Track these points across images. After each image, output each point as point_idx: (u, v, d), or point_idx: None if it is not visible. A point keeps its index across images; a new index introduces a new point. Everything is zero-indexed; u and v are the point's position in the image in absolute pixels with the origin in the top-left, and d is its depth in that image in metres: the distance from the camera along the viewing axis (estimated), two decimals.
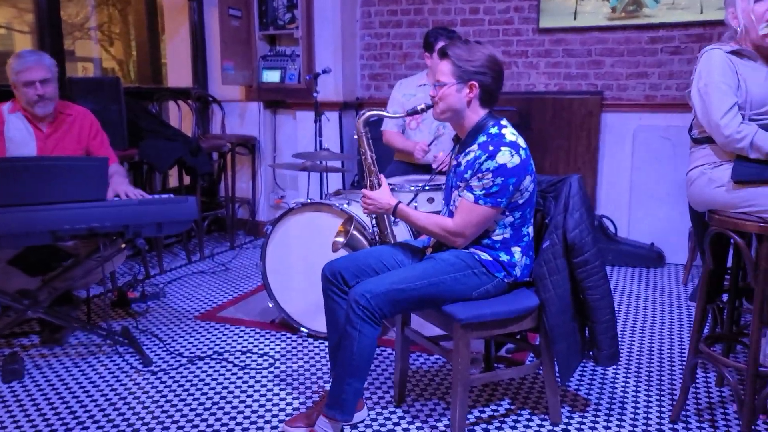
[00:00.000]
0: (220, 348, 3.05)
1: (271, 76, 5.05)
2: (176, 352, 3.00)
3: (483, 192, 2.12)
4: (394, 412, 2.45)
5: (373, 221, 2.60)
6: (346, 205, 3.01)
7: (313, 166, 3.29)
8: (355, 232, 2.50)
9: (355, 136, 2.51)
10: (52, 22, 4.00)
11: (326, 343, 3.09)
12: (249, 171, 5.22)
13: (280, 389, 2.64)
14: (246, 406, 2.50)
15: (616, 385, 2.65)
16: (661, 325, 3.31)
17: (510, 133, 2.18)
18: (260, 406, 2.50)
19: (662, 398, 2.53)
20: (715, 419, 2.37)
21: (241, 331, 3.27)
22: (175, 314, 3.51)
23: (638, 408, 2.46)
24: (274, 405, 2.51)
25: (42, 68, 2.94)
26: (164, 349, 3.04)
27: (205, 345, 3.09)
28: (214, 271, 4.34)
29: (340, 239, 2.54)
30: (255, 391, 2.63)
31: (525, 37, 4.64)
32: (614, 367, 2.79)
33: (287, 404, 2.51)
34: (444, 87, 2.21)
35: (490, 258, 2.22)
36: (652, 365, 2.83)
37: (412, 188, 3.22)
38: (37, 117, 3.00)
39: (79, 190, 2.68)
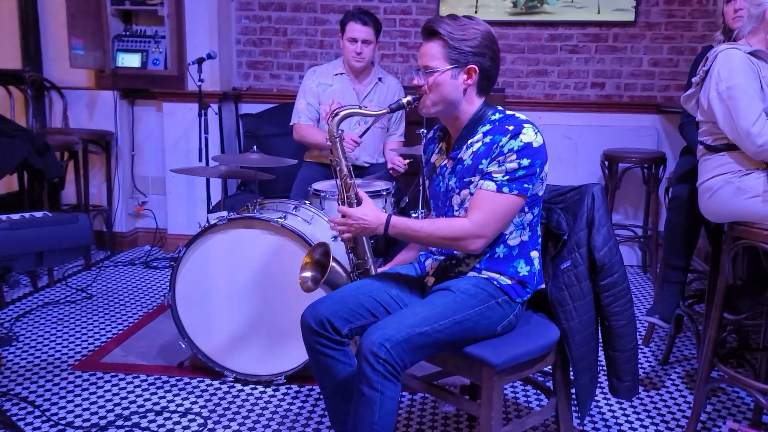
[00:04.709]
0: (124, 409, 2.36)
1: (129, 60, 4.22)
2: (63, 422, 2.26)
3: (506, 177, 1.76)
4: None
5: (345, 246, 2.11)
6: (282, 219, 2.47)
7: (234, 172, 2.68)
8: (335, 266, 1.98)
9: (328, 142, 2.00)
10: None
11: (261, 389, 2.54)
12: (102, 173, 4.34)
13: None
14: None
15: (603, 412, 2.44)
16: None
17: (518, 114, 1.85)
18: None
19: (654, 420, 2.36)
20: None
21: (143, 381, 2.58)
22: (41, 365, 2.70)
23: None
24: None
25: None
26: (43, 418, 2.28)
27: (99, 407, 2.37)
28: (72, 299, 3.49)
29: (309, 274, 2.01)
30: None
31: None
32: None
33: None
34: (435, 73, 1.80)
35: (509, 282, 1.86)
36: None
37: (336, 182, 2.75)
38: None
39: None
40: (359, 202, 1.95)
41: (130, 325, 3.14)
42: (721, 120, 1.98)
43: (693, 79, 2.13)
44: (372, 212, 1.88)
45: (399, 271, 2.02)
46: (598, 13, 4.18)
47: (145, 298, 3.52)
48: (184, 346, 2.59)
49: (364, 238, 2.04)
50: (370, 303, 1.85)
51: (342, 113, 1.97)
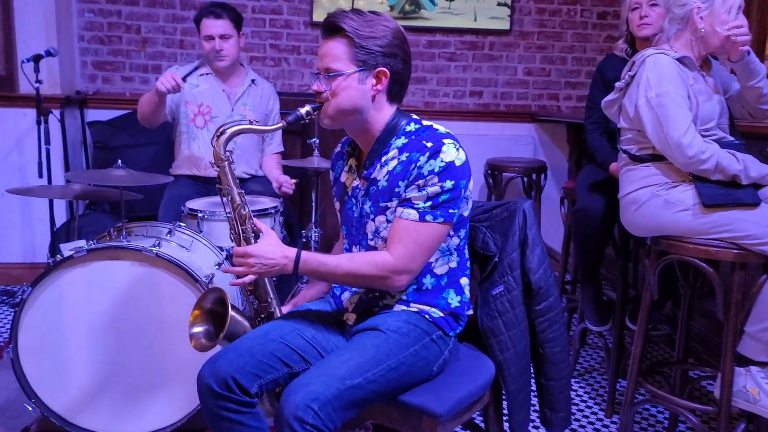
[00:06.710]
0: None
1: None
2: None
3: (429, 204, 1.53)
4: None
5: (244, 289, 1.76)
6: (156, 248, 2.06)
7: (92, 191, 2.21)
8: (235, 314, 1.62)
9: (216, 168, 1.65)
10: None
11: None
12: None
13: None
14: None
15: None
16: None
17: (436, 125, 1.62)
18: None
19: None
20: None
21: None
22: None
23: None
24: None
25: None
26: None
27: None
28: None
29: (201, 328, 1.63)
30: None
31: (296, 30, 4.03)
32: None
33: None
34: (339, 77, 1.54)
35: (442, 314, 1.63)
36: None
37: (228, 215, 2.40)
38: None
39: None
40: (257, 236, 1.62)
41: None
42: (649, 129, 1.88)
43: (617, 84, 2.02)
44: (277, 248, 1.56)
45: (310, 308, 1.71)
46: (475, 20, 4.12)
47: None
48: (30, 408, 2.08)
49: (266, 277, 1.71)
50: (282, 351, 1.53)
51: (229, 131, 1.62)
